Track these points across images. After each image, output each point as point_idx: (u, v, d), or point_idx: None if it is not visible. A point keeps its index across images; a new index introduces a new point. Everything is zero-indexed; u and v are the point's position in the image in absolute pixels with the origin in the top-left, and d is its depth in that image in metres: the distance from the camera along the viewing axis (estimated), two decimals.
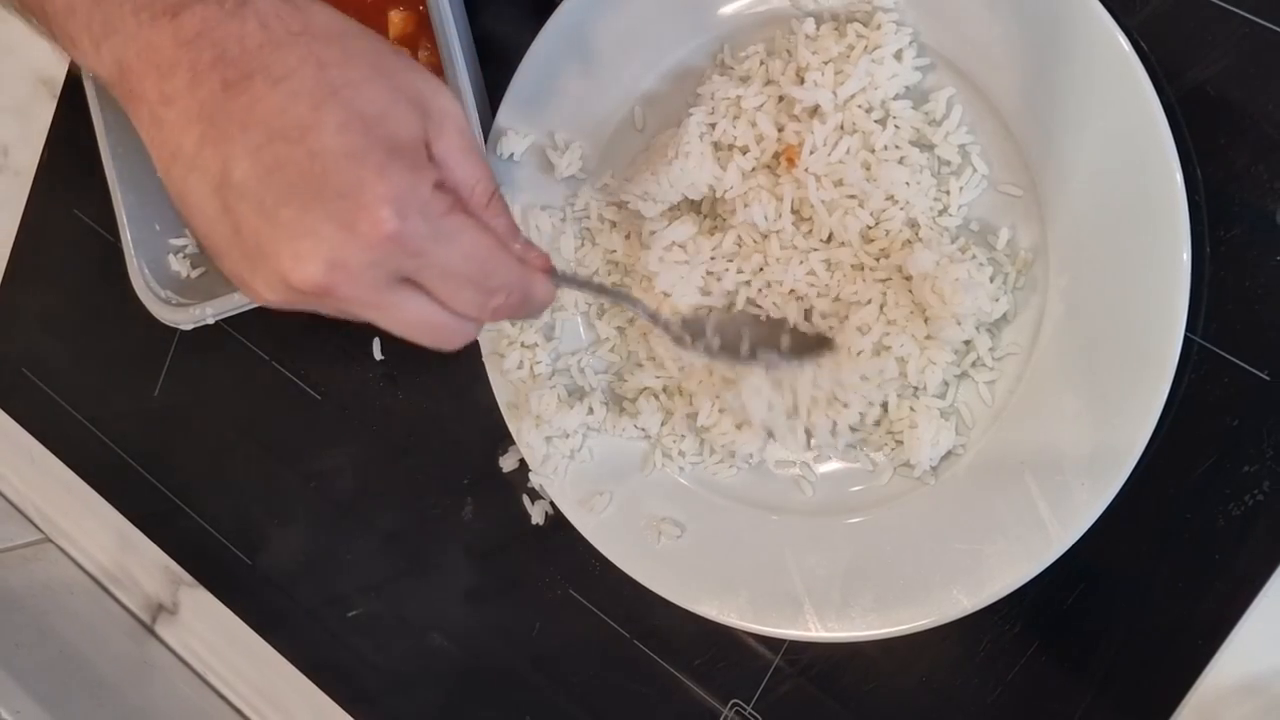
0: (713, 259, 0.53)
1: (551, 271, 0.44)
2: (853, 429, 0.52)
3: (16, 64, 0.76)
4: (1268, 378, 0.47)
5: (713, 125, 0.53)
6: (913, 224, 0.51)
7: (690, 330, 0.52)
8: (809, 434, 0.53)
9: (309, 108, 0.36)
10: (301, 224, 0.36)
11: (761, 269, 0.53)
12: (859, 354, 0.50)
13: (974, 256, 0.49)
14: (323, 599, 0.68)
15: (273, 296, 0.38)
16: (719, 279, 0.53)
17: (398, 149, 0.37)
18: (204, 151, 0.36)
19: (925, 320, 0.50)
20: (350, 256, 0.36)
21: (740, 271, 0.53)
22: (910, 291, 0.50)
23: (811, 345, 0.51)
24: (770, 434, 0.54)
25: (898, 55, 0.50)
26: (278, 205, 0.36)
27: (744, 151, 0.53)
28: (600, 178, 0.57)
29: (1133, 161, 0.46)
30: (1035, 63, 0.48)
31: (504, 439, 0.60)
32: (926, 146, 0.51)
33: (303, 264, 0.36)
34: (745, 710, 0.58)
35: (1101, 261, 0.47)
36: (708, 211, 0.55)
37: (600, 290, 0.54)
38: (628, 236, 0.57)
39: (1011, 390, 0.50)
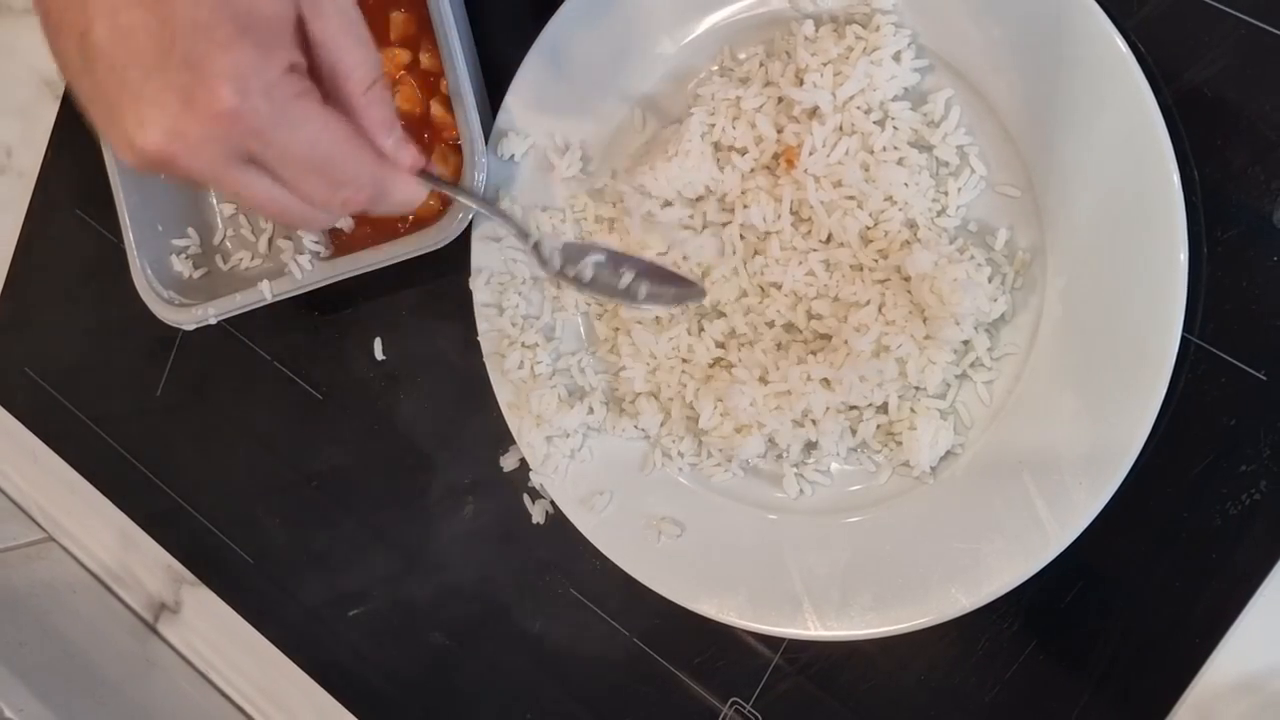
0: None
1: (425, 174, 0.43)
2: (853, 431, 0.53)
3: (20, 65, 0.76)
4: (1265, 378, 0.47)
5: (713, 125, 0.53)
6: (911, 225, 0.51)
7: (566, 258, 0.51)
8: (813, 444, 0.53)
9: None
10: (145, 90, 0.37)
11: (763, 270, 0.53)
12: (859, 354, 0.51)
13: (972, 257, 0.50)
14: (324, 598, 0.69)
15: (125, 157, 0.39)
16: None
17: (251, 26, 0.37)
18: (68, 11, 0.37)
19: (924, 320, 0.50)
20: (188, 129, 0.37)
21: (735, 273, 0.54)
22: (909, 292, 0.50)
23: (685, 290, 0.52)
24: (771, 441, 0.54)
25: (896, 57, 0.50)
26: (127, 68, 0.37)
27: (743, 153, 0.53)
28: (600, 179, 0.58)
29: (1130, 162, 0.46)
30: (1033, 64, 0.48)
31: (505, 438, 0.60)
32: (925, 147, 0.51)
33: (145, 130, 0.37)
34: (745, 708, 0.58)
35: (1099, 262, 0.47)
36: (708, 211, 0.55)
37: (478, 201, 0.52)
38: (621, 239, 0.57)
39: (1010, 390, 0.50)
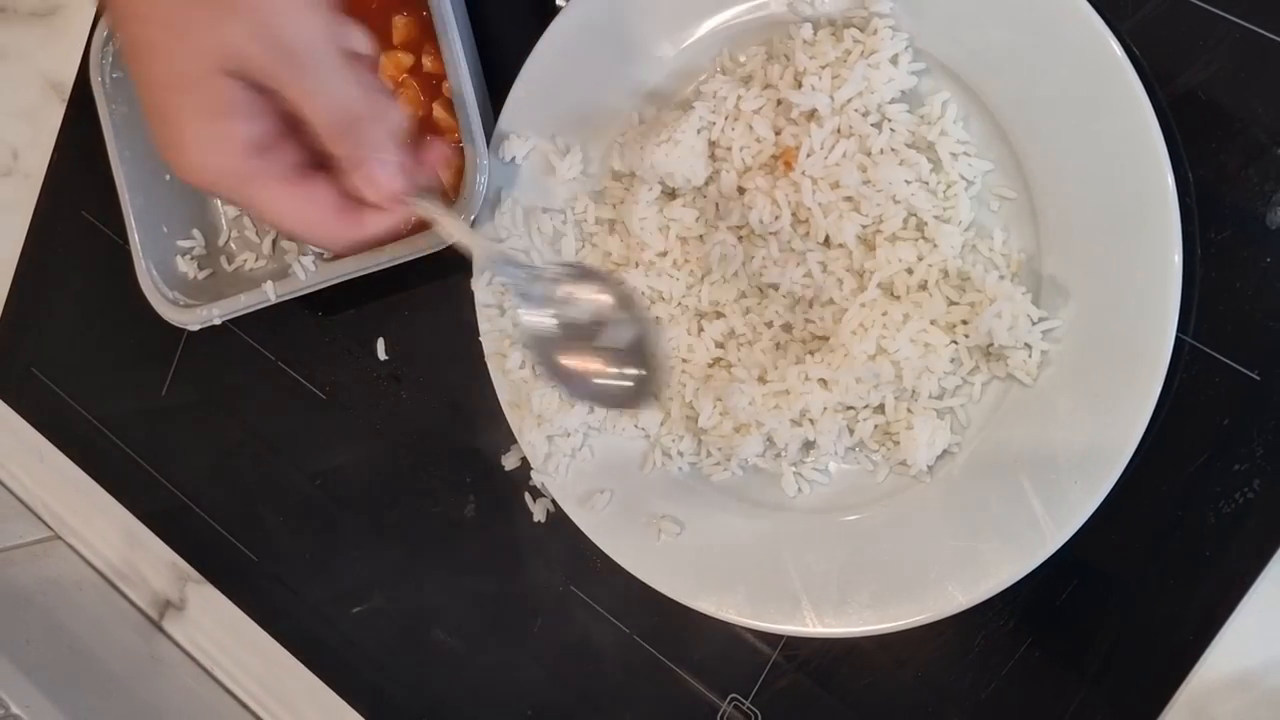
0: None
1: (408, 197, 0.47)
2: (851, 430, 0.53)
3: (26, 69, 0.77)
4: (1258, 377, 0.47)
5: (712, 123, 0.54)
6: (907, 226, 0.51)
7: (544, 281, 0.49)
8: (811, 443, 0.54)
9: None
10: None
11: (761, 271, 0.54)
12: (855, 356, 0.51)
13: (989, 270, 0.50)
14: (328, 596, 0.69)
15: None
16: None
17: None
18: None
19: (932, 324, 0.50)
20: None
21: (735, 275, 0.54)
22: (898, 297, 0.51)
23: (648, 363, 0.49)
24: (770, 440, 0.54)
25: (894, 60, 0.50)
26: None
27: (741, 149, 0.53)
28: (601, 181, 0.58)
29: (1125, 164, 0.47)
30: (1029, 67, 0.48)
31: (506, 438, 0.61)
32: (922, 149, 0.51)
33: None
34: (744, 705, 0.58)
35: (1094, 263, 0.48)
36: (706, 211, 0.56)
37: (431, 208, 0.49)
38: (622, 239, 0.57)
39: (1006, 390, 0.50)
